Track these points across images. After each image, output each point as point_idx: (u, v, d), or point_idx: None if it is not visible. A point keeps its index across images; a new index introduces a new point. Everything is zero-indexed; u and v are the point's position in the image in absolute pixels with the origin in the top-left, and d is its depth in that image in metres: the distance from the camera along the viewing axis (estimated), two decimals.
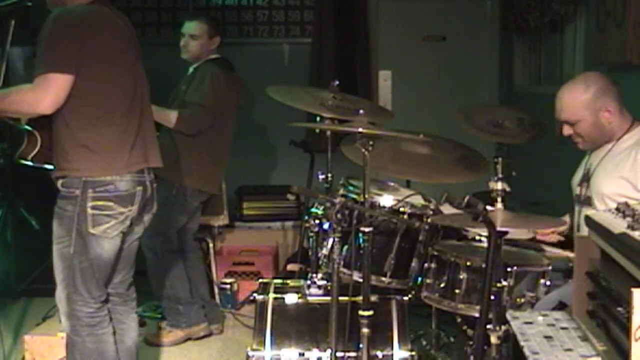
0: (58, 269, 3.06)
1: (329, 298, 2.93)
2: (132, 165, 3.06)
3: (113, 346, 3.16)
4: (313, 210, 3.30)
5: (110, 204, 2.99)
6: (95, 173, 2.98)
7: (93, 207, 2.97)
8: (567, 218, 3.36)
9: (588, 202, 3.09)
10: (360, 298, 2.80)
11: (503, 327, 2.54)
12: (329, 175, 3.50)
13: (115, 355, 3.16)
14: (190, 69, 4.46)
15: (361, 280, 2.83)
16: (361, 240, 2.78)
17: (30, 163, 3.14)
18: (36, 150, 3.10)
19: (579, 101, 3.06)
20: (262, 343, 3.14)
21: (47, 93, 2.86)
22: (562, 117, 3.12)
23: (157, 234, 4.27)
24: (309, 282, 3.29)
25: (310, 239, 3.34)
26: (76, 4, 3.00)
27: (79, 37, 2.90)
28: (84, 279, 3.03)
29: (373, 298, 3.01)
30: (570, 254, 3.04)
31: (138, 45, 3.17)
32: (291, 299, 3.21)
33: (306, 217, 3.34)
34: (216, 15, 6.32)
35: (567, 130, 3.14)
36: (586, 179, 3.15)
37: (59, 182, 3.03)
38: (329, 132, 3.51)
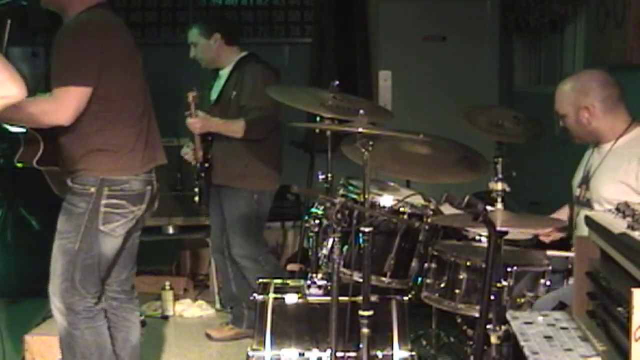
0: (57, 263, 3.06)
1: (329, 298, 2.93)
2: (145, 165, 3.10)
3: (109, 339, 3.18)
4: (313, 210, 3.30)
5: (123, 202, 3.02)
6: (113, 172, 3.00)
7: (106, 205, 2.99)
8: (565, 209, 3.36)
9: (588, 204, 3.09)
10: (360, 298, 2.79)
11: (503, 327, 2.54)
12: (329, 175, 3.50)
13: (112, 349, 3.18)
14: (225, 73, 4.32)
15: (361, 280, 2.82)
16: (361, 240, 2.78)
17: (36, 167, 3.11)
18: (40, 153, 3.08)
19: (564, 96, 3.12)
20: (262, 343, 3.13)
21: (68, 106, 2.86)
22: (555, 108, 3.18)
23: (251, 243, 4.30)
24: (309, 282, 3.29)
25: (310, 239, 3.34)
26: (78, 9, 2.98)
27: (99, 47, 2.90)
28: (84, 276, 3.04)
29: (373, 298, 3.01)
30: (570, 254, 3.03)
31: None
32: (291, 299, 3.21)
33: (306, 217, 3.33)
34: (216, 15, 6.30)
35: (561, 123, 3.18)
36: (585, 180, 3.15)
37: (70, 179, 3.02)
38: (329, 132, 3.51)
